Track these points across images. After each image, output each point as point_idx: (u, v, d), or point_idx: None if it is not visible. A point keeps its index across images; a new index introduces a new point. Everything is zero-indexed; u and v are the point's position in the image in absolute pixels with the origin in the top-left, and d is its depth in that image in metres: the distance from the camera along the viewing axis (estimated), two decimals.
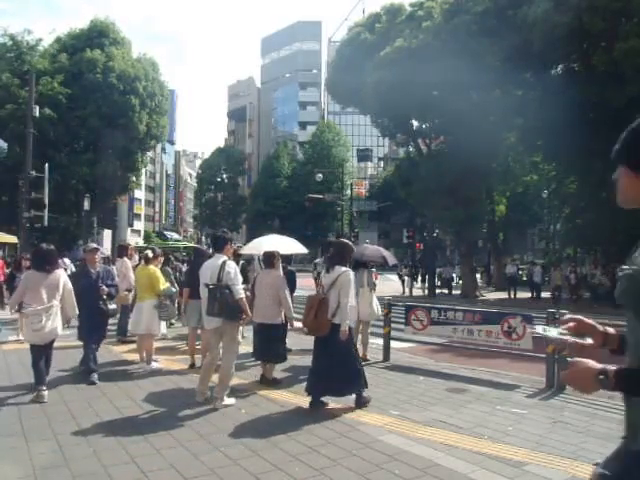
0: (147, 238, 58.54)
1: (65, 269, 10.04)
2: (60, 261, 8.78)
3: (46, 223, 21.23)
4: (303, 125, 79.56)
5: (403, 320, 8.04)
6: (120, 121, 32.04)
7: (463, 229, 24.90)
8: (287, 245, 8.99)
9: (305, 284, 11.94)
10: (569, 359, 1.52)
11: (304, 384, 5.45)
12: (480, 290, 26.03)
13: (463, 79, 19.18)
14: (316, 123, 71.58)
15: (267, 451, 4.12)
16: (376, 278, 8.11)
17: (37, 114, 21.85)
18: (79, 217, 33.36)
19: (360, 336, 7.68)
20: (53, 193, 23.37)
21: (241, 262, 8.68)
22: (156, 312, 7.21)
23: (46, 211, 20.90)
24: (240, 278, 5.64)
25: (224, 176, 71.73)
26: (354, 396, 5.37)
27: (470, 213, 23.41)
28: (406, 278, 26.33)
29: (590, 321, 1.66)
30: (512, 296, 23.58)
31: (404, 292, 25.32)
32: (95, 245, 7.22)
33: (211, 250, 6.63)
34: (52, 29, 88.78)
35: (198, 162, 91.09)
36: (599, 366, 1.43)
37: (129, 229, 59.03)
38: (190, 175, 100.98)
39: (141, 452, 4.07)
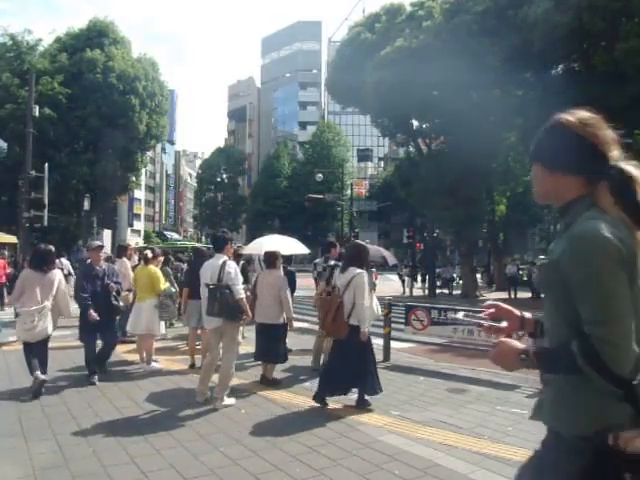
0: (147, 238, 58.55)
1: (62, 269, 10.03)
2: (57, 261, 8.77)
3: (46, 223, 21.21)
4: (303, 125, 79.53)
5: (403, 320, 8.03)
6: (120, 121, 32.03)
7: (463, 229, 24.89)
8: (288, 245, 9.01)
9: (305, 284, 11.93)
10: (494, 340, 1.64)
11: (304, 384, 5.46)
12: (480, 290, 26.02)
13: (463, 79, 19.16)
14: (316, 123, 71.55)
15: (267, 451, 4.12)
16: (376, 278, 8.11)
17: (37, 114, 21.85)
18: (79, 217, 33.36)
19: None
20: (53, 193, 23.35)
21: (241, 262, 8.68)
22: (156, 312, 7.21)
23: (46, 211, 20.89)
24: (240, 278, 5.64)
25: (224, 176, 71.70)
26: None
27: (470, 213, 23.40)
28: (406, 278, 26.30)
29: (507, 307, 1.83)
30: (512, 296, 23.56)
31: (404, 292, 25.30)
32: (99, 243, 7.20)
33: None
34: (52, 29, 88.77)
35: (198, 162, 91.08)
36: (521, 346, 1.54)
37: (129, 229, 59.05)
38: (190, 175, 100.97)
39: (141, 452, 4.07)
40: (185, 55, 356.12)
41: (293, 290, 7.60)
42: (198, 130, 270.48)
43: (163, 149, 74.90)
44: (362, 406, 5.30)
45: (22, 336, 5.89)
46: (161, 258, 8.30)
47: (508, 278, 25.31)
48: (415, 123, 26.92)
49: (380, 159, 78.54)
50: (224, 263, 5.46)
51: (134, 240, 49.74)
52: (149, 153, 48.19)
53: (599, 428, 1.41)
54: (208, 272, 5.51)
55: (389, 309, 8.11)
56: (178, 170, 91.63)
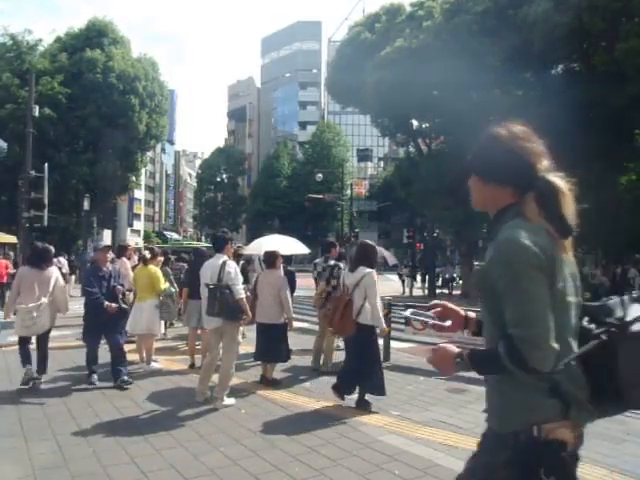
0: (147, 238, 58.51)
1: (60, 268, 10.05)
2: (55, 260, 8.79)
3: (46, 223, 21.17)
4: (303, 125, 79.47)
5: (403, 320, 8.03)
6: (120, 121, 31.99)
7: (463, 229, 24.86)
8: (288, 245, 9.01)
9: (305, 284, 11.92)
10: (434, 346, 1.69)
11: (304, 384, 5.46)
12: None
13: (463, 79, 19.15)
14: (316, 123, 71.49)
15: (267, 451, 4.12)
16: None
17: (37, 114, 21.80)
18: (79, 217, 33.31)
19: None
20: (53, 193, 23.31)
21: (241, 262, 8.67)
22: (157, 312, 7.21)
23: (46, 211, 20.85)
24: (240, 278, 5.65)
25: (224, 176, 71.65)
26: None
27: (470, 213, 23.38)
28: (406, 278, 26.29)
29: (453, 306, 1.91)
30: None
31: (404, 292, 25.29)
32: (107, 243, 7.22)
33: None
34: (52, 29, 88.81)
35: (198, 162, 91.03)
36: (457, 350, 1.59)
37: (129, 229, 59.00)
38: (190, 175, 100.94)
39: (141, 452, 4.07)
40: (185, 55, 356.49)
41: (293, 290, 7.60)
42: (198, 130, 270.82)
43: (163, 149, 74.85)
44: (362, 406, 5.30)
45: (21, 332, 5.97)
46: (161, 258, 8.30)
47: None
48: (415, 123, 26.91)
49: (380, 159, 78.46)
50: (224, 263, 5.46)
51: (134, 240, 49.74)
52: (149, 153, 48.13)
53: (531, 423, 1.48)
54: (208, 272, 5.51)
55: (389, 309, 8.10)
56: (178, 170, 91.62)
